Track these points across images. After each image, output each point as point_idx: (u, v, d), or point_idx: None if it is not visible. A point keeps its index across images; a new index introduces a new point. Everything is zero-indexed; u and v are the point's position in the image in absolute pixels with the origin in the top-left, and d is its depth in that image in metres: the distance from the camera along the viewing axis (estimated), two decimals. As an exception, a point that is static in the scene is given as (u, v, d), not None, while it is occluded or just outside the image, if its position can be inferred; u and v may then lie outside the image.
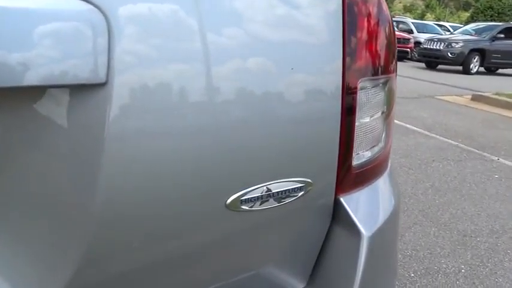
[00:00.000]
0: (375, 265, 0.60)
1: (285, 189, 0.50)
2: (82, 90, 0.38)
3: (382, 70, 0.60)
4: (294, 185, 0.51)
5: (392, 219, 0.64)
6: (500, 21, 16.84)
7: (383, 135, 0.65)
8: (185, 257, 0.49)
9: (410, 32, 14.60)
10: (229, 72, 0.44)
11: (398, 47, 13.11)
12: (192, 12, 0.41)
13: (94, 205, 0.40)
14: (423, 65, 11.86)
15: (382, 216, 0.62)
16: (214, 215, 0.47)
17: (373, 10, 0.59)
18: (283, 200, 0.51)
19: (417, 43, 13.07)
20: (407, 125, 4.44)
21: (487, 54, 10.81)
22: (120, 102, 0.39)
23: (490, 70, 11.86)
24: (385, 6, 0.63)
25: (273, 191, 0.50)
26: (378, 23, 0.60)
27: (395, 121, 4.51)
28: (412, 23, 16.01)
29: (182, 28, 0.41)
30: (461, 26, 16.04)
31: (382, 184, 0.66)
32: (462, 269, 1.86)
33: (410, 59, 13.42)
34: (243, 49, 0.45)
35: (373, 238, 0.57)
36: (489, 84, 8.36)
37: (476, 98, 6.47)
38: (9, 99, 0.40)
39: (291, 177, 0.51)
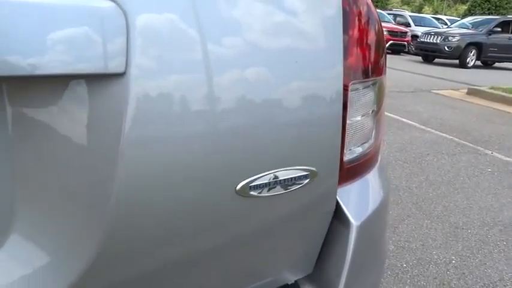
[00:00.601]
0: (364, 252, 0.65)
1: (291, 176, 0.53)
2: (100, 81, 0.40)
3: (372, 72, 0.64)
4: (299, 173, 0.54)
5: (381, 210, 0.69)
6: (497, 15, 16.86)
7: (373, 132, 0.70)
8: (199, 245, 0.51)
9: (407, 25, 14.60)
10: (236, 78, 0.47)
11: (395, 40, 13.25)
12: (192, 23, 0.44)
13: (112, 195, 0.42)
14: (420, 58, 11.89)
15: (371, 207, 0.66)
16: (225, 200, 0.50)
17: (365, 13, 0.63)
18: (289, 187, 0.54)
19: (414, 36, 13.08)
20: (403, 119, 4.49)
21: (484, 48, 10.85)
22: (138, 94, 0.41)
23: (487, 64, 11.92)
24: (373, 8, 0.66)
25: (280, 178, 0.53)
26: (369, 25, 0.64)
27: (392, 115, 4.56)
28: (410, 16, 16.00)
29: (184, 36, 0.44)
30: (459, 19, 16.05)
31: (372, 177, 0.71)
32: (453, 259, 1.92)
33: (408, 53, 13.44)
34: (255, 53, 0.48)
35: (361, 227, 0.61)
36: (485, 78, 8.41)
37: (472, 92, 6.52)
38: (28, 90, 0.42)
39: (297, 166, 0.54)
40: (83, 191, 0.45)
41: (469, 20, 12.86)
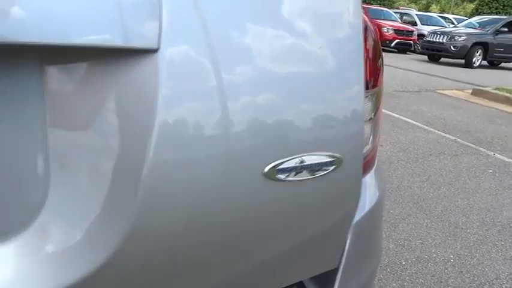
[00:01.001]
0: (360, 248, 0.71)
1: (317, 162, 0.55)
2: (134, 56, 0.42)
3: (370, 84, 0.69)
4: (325, 159, 0.56)
5: (376, 209, 0.74)
6: (505, 14, 16.77)
7: (371, 138, 0.75)
8: (226, 229, 0.52)
9: (414, 24, 14.57)
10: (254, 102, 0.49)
11: (401, 39, 13.23)
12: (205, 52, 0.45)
13: (143, 170, 0.43)
14: (426, 57, 11.88)
15: (367, 207, 0.72)
16: (252, 183, 0.51)
17: (364, 29, 0.68)
18: (315, 173, 0.55)
19: (421, 35, 13.06)
20: (407, 119, 4.52)
21: (490, 48, 10.82)
22: (170, 71, 0.42)
23: (493, 64, 11.89)
24: (370, 23, 0.72)
25: (307, 163, 0.54)
26: (368, 41, 0.69)
27: (396, 115, 4.60)
28: (416, 15, 15.97)
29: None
30: (466, 18, 15.98)
31: (369, 179, 0.76)
32: (451, 258, 1.97)
33: (414, 52, 13.42)
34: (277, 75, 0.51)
35: (358, 224, 0.67)
36: (491, 78, 8.42)
37: (476, 93, 6.53)
38: (60, 59, 0.43)
39: (323, 151, 0.55)
40: (112, 170, 0.46)
41: (476, 19, 12.80)
